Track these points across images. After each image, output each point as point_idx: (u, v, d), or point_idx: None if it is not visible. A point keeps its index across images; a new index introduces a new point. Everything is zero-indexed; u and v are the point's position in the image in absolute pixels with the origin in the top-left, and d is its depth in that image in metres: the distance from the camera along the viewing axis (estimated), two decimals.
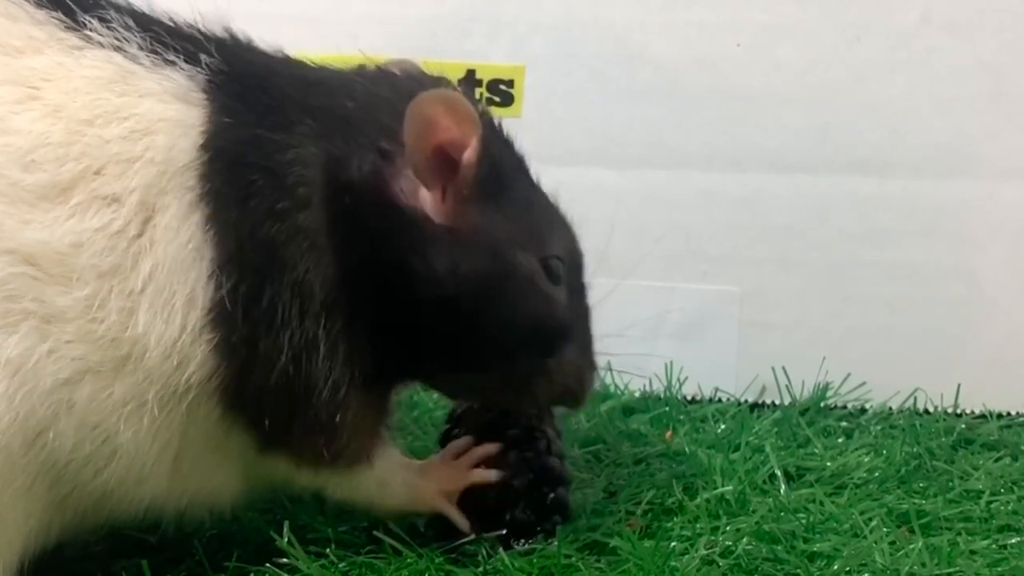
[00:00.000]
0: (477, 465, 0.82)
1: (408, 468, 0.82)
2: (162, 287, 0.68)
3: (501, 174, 0.76)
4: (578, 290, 0.81)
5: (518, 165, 0.80)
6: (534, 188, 0.80)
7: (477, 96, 1.16)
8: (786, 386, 1.16)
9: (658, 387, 1.16)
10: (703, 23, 1.14)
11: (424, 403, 1.06)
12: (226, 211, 0.70)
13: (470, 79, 1.16)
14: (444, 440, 0.86)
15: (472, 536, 0.79)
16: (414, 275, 0.74)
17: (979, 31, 1.12)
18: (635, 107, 1.16)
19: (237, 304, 0.69)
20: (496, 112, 1.16)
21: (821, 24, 1.13)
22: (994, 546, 0.83)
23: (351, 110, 0.74)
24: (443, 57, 1.16)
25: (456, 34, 1.16)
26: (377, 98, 0.76)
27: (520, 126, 1.15)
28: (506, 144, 0.80)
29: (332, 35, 1.16)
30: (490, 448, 0.82)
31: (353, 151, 0.73)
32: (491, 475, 0.81)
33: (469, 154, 0.73)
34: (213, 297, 0.69)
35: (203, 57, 0.72)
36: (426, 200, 0.74)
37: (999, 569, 0.78)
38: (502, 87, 1.17)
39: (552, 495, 0.82)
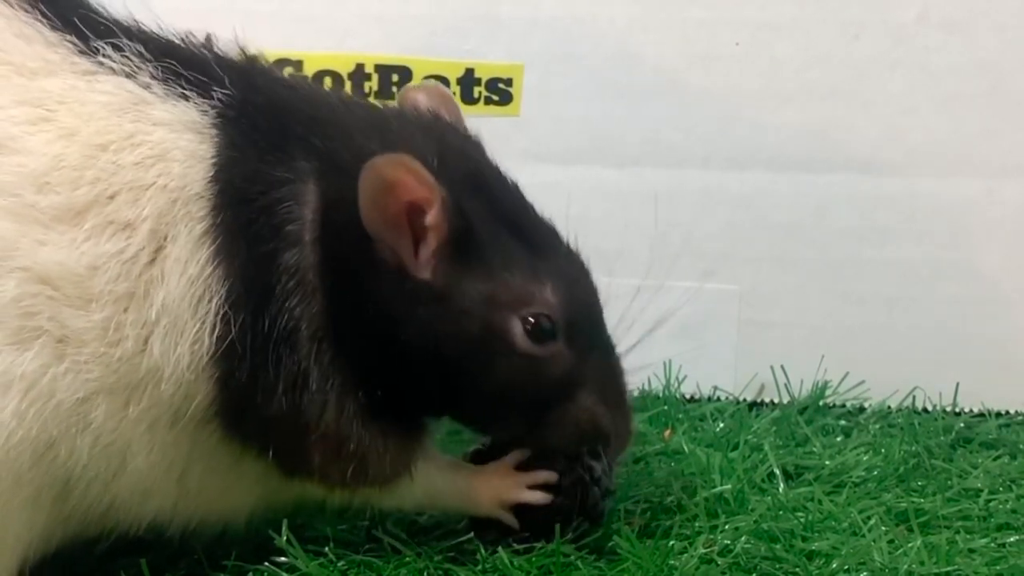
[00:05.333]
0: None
1: (461, 472, 0.82)
2: (174, 320, 0.69)
3: (475, 232, 0.74)
4: (591, 335, 0.78)
5: (504, 215, 0.76)
6: (525, 239, 0.76)
7: (476, 95, 1.16)
8: (785, 385, 1.16)
9: (657, 386, 1.16)
10: (701, 21, 1.14)
11: None
12: (232, 246, 0.70)
13: (469, 78, 1.16)
14: (475, 458, 0.85)
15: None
16: (397, 324, 0.73)
17: (977, 29, 1.12)
18: (633, 106, 1.16)
19: (240, 341, 0.70)
20: (495, 111, 1.18)
21: (819, 22, 1.13)
22: (993, 544, 0.83)
23: (346, 157, 0.73)
24: (442, 56, 1.16)
25: (455, 33, 1.16)
26: (367, 152, 0.73)
27: (519, 125, 1.17)
28: (494, 189, 0.77)
29: (330, 34, 1.16)
30: (552, 477, 0.80)
31: (344, 197, 0.72)
32: (548, 501, 0.80)
33: (431, 218, 0.72)
34: (221, 334, 0.69)
35: (216, 90, 0.72)
36: (398, 257, 0.73)
37: (997, 567, 0.78)
38: (501, 86, 1.16)
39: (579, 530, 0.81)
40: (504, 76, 1.16)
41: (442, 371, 0.74)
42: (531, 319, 0.74)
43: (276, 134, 0.73)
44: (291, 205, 0.71)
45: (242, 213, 0.70)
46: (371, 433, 0.74)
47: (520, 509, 0.80)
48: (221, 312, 0.69)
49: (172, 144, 0.70)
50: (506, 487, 0.80)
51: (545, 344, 0.75)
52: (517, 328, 0.74)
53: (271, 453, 0.74)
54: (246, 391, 0.71)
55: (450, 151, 0.76)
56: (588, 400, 0.77)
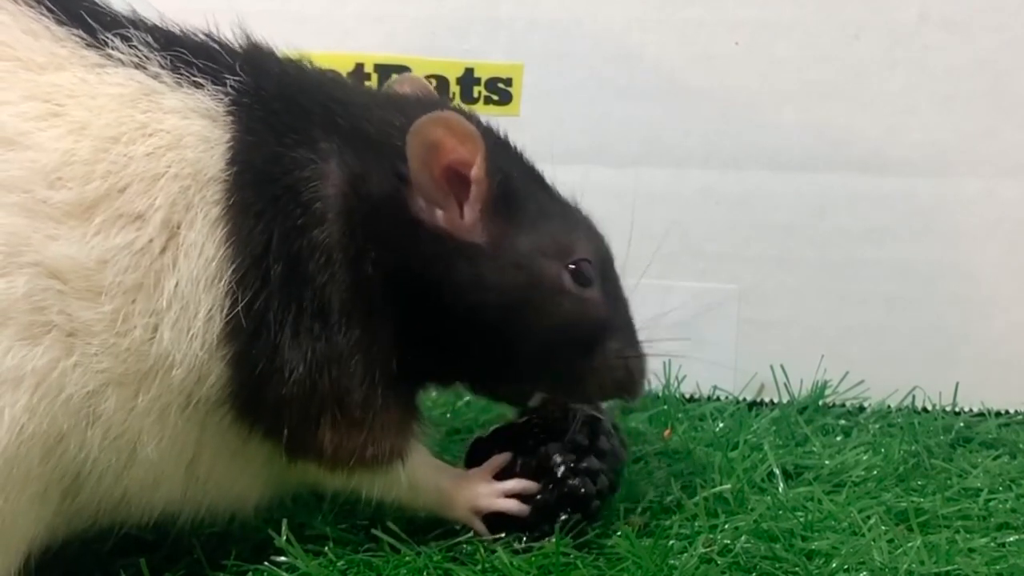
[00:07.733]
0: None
1: (442, 474, 0.82)
2: (186, 304, 0.69)
3: (513, 186, 0.78)
4: (613, 285, 0.83)
5: (530, 174, 0.82)
6: (550, 195, 0.82)
7: (476, 95, 1.16)
8: (784, 384, 1.16)
9: (656, 385, 1.16)
10: (701, 21, 1.14)
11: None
12: (248, 226, 0.71)
13: (468, 78, 1.16)
14: (474, 448, 0.86)
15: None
16: (441, 288, 0.75)
17: (977, 29, 1.12)
18: (633, 105, 1.16)
19: (255, 318, 0.71)
20: (494, 111, 1.17)
21: (819, 22, 1.13)
22: (992, 544, 0.83)
23: (370, 133, 0.76)
24: (442, 56, 1.16)
25: (455, 33, 1.16)
26: (389, 123, 0.77)
27: (518, 124, 1.16)
28: (515, 155, 0.82)
29: (330, 34, 1.16)
30: (531, 486, 0.81)
31: (372, 170, 0.74)
32: (523, 511, 0.80)
33: (476, 171, 0.75)
34: (231, 312, 0.70)
35: (228, 77, 0.73)
36: (444, 218, 0.75)
37: (997, 567, 0.78)
38: (500, 85, 1.17)
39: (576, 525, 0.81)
40: (504, 76, 1.16)
41: (485, 326, 0.76)
42: (573, 265, 0.78)
43: (293, 116, 0.74)
44: (316, 184, 0.73)
45: (263, 194, 0.71)
46: (382, 410, 0.75)
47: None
48: (234, 291, 0.70)
49: (185, 130, 0.70)
50: (481, 495, 0.81)
51: (586, 289, 0.78)
52: (563, 273, 0.78)
53: (281, 432, 0.74)
54: (264, 369, 0.72)
55: (470, 118, 0.78)
56: (620, 345, 0.80)
